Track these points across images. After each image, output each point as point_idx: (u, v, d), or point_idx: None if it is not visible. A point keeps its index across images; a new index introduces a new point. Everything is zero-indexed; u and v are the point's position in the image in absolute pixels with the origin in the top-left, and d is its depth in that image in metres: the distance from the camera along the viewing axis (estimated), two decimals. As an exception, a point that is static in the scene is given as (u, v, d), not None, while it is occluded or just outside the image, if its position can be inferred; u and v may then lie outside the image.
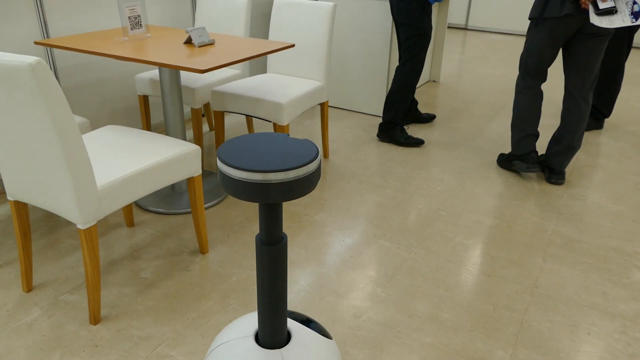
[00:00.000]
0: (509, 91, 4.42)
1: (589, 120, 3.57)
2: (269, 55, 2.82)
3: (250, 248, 2.09)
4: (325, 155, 2.98)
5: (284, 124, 2.43)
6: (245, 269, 1.96)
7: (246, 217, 2.33)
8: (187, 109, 3.46)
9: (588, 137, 3.41)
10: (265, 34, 3.84)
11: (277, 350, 1.19)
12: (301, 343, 1.21)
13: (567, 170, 2.91)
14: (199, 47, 2.15)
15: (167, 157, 1.76)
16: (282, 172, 0.94)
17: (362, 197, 2.54)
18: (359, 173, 2.80)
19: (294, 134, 3.31)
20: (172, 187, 2.48)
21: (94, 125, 2.87)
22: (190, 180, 1.90)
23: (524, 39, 6.84)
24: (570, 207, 2.50)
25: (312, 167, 0.98)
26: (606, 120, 3.80)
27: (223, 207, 2.40)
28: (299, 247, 2.12)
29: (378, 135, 3.25)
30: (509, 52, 6.00)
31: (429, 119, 3.59)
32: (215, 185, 2.56)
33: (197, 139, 2.71)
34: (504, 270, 2.01)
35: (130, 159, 1.71)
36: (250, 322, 1.28)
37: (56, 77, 2.60)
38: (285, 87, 2.57)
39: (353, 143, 3.20)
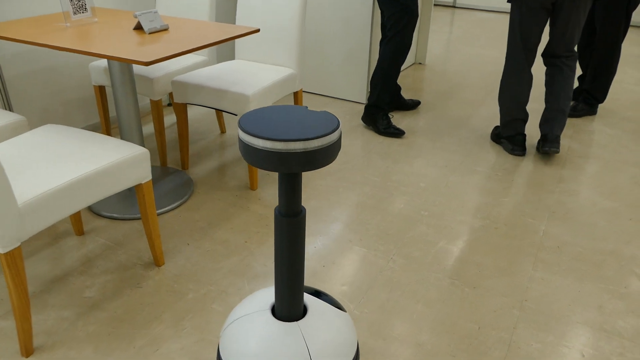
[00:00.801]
0: (499, 73, 4.20)
1: (581, 106, 3.38)
2: (236, 41, 2.57)
3: (211, 258, 1.89)
4: (301, 148, 2.76)
5: (251, 117, 2.20)
6: (204, 284, 1.76)
7: (209, 221, 2.12)
8: (147, 101, 3.21)
9: (581, 124, 3.21)
10: (233, 18, 3.58)
11: (295, 322, 1.19)
12: (317, 315, 1.22)
13: (559, 162, 2.72)
14: (150, 34, 1.91)
15: (109, 163, 1.54)
16: (303, 142, 0.94)
17: (339, 197, 2.33)
18: (336, 169, 2.59)
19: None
20: (130, 188, 2.26)
21: (45, 120, 2.62)
22: (138, 187, 1.68)
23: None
24: (562, 204, 2.32)
25: (333, 137, 0.98)
26: (600, 105, 3.60)
27: (185, 210, 2.19)
28: (266, 257, 1.91)
29: (363, 118, 3.05)
30: (498, 31, 5.76)
31: (413, 105, 3.37)
32: (178, 185, 2.34)
33: (159, 133, 2.48)
34: (491, 280, 1.82)
35: (64, 167, 1.49)
36: (265, 296, 1.28)
37: (-2, 66, 2.34)
38: (253, 75, 2.34)
39: (332, 133, 2.98)
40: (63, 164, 1.51)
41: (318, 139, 0.95)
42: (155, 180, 2.37)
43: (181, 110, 2.39)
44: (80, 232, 2.00)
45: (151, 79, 2.34)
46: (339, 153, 2.71)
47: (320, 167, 0.98)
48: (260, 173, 2.50)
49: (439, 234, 2.08)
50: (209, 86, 2.24)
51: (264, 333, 1.17)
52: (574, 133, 3.08)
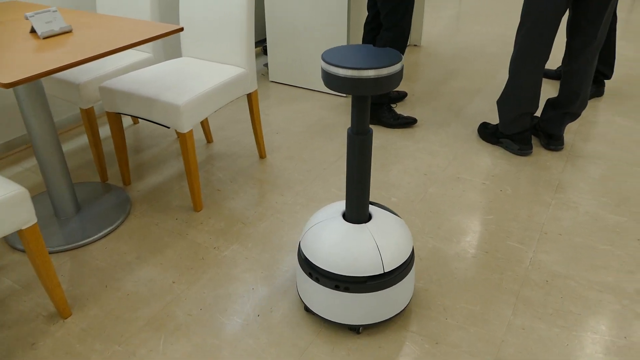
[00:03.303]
0: (505, 55, 3.76)
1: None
2: (182, 37, 2.24)
3: (129, 306, 1.60)
4: (262, 155, 2.44)
5: (185, 130, 1.88)
6: (112, 342, 1.48)
7: (138, 254, 1.83)
8: (76, 110, 2.80)
9: (587, 111, 2.81)
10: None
11: (364, 224, 1.43)
12: (380, 219, 1.46)
13: (559, 163, 2.34)
14: (44, 38, 1.59)
15: (-28, 209, 1.25)
16: (375, 70, 1.18)
17: (294, 218, 2.02)
18: (299, 180, 2.26)
19: (221, 133, 2.77)
20: (55, 212, 1.98)
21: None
22: (20, 234, 1.39)
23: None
24: (558, 221, 1.96)
25: (397, 67, 1.21)
26: (607, 84, 3.17)
27: (114, 240, 1.91)
28: (194, 302, 1.62)
29: None
30: (510, 5, 5.26)
31: (398, 97, 3.00)
32: (112, 206, 2.06)
33: (94, 146, 2.19)
34: (458, 332, 1.50)
35: None
36: (335, 208, 1.51)
37: None
38: (194, 78, 2.01)
39: (303, 134, 2.65)
40: None
41: (386, 68, 1.20)
42: (88, 201, 2.09)
43: (113, 120, 2.08)
44: (-15, 272, 1.74)
45: (77, 84, 2.03)
46: (306, 160, 2.37)
47: (385, 91, 1.23)
48: (207, 191, 2.19)
49: (404, 265, 1.76)
50: (138, 94, 1.92)
51: (339, 233, 1.41)
52: (579, 126, 2.68)
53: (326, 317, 1.46)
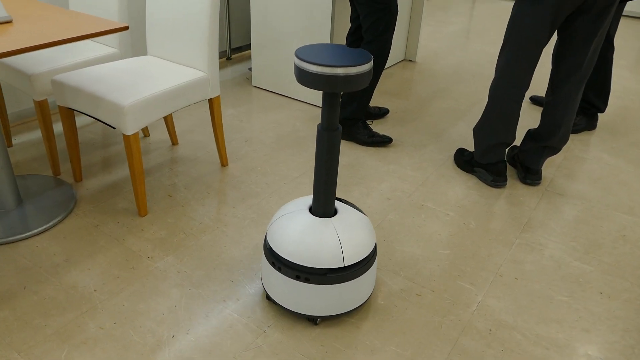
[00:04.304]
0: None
1: (579, 118, 2.84)
2: (147, 35, 2.15)
3: (42, 311, 1.51)
4: (223, 163, 2.35)
5: (129, 132, 1.79)
6: (13, 350, 1.38)
7: (68, 256, 1.74)
8: (30, 103, 2.67)
9: (577, 146, 2.67)
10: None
11: (328, 218, 1.48)
12: (345, 215, 1.51)
13: (533, 199, 2.21)
14: (-21, 26, 1.51)
15: None
16: (344, 68, 1.24)
17: (239, 234, 1.92)
18: (255, 193, 2.16)
19: (189, 136, 2.68)
20: (-6, 204, 1.90)
21: None
22: None
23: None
24: (517, 264, 1.83)
25: (366, 67, 1.27)
26: (601, 117, 3.03)
27: (48, 238, 1.82)
28: (109, 315, 1.53)
29: None
30: (517, 25, 5.12)
31: (379, 114, 2.89)
32: (55, 203, 1.97)
33: (47, 139, 2.11)
34: (383, 376, 1.39)
35: None
36: (303, 202, 1.56)
37: None
38: (148, 79, 1.92)
39: (272, 145, 2.55)
40: None
41: (355, 67, 1.25)
42: (32, 195, 2.01)
43: (65, 115, 2.00)
44: None
45: (28, 75, 1.96)
46: (268, 173, 2.27)
47: (354, 90, 1.28)
48: (158, 196, 2.10)
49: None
50: (86, 90, 1.83)
51: (304, 226, 1.46)
52: (564, 160, 2.55)
53: (286, 307, 1.50)
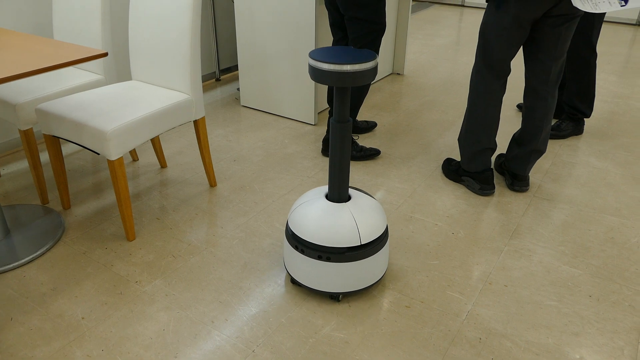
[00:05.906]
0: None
1: (566, 124, 2.86)
2: (131, 60, 2.18)
3: (28, 342, 1.50)
4: (212, 184, 2.35)
5: (113, 158, 1.81)
6: (-2, 384, 1.39)
7: (55, 285, 1.74)
8: (16, 133, 2.67)
9: (565, 151, 2.68)
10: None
11: (344, 203, 1.63)
12: (359, 200, 1.66)
13: (520, 206, 2.22)
14: (-43, 60, 1.53)
15: None
16: (351, 65, 1.42)
17: (227, 254, 1.92)
18: (243, 212, 2.17)
19: (178, 158, 2.69)
20: (-19, 236, 1.90)
21: None
22: None
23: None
24: (506, 270, 1.83)
25: (371, 64, 1.45)
26: (588, 122, 3.05)
27: (35, 267, 1.82)
28: (97, 342, 1.52)
29: (323, 151, 2.62)
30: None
31: (367, 128, 2.91)
32: (43, 231, 1.97)
33: (34, 168, 2.12)
34: (373, 391, 1.37)
35: None
36: (318, 190, 1.71)
37: None
38: (132, 104, 1.94)
39: (260, 163, 2.56)
40: None
41: (361, 64, 1.42)
42: (20, 225, 2.01)
43: (50, 143, 2.01)
44: None
45: (13, 104, 1.98)
46: (256, 192, 2.28)
47: (361, 84, 1.45)
48: (146, 220, 2.10)
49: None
50: (69, 117, 1.85)
51: (322, 210, 1.61)
52: (551, 165, 2.56)
53: (310, 286, 1.65)
